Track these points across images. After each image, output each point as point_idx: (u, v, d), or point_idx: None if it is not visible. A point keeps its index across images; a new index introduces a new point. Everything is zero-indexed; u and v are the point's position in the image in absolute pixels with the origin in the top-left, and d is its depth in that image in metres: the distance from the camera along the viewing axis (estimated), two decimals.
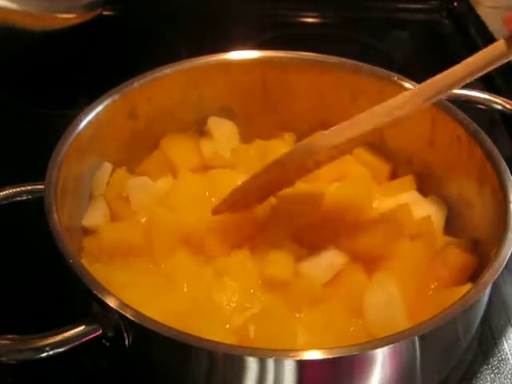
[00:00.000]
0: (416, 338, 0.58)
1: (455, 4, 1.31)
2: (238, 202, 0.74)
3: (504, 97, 0.82)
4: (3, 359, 0.56)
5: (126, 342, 0.59)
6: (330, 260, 0.70)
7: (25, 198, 0.69)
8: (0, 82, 1.04)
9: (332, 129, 0.69)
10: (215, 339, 0.55)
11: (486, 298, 0.68)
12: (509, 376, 0.68)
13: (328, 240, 0.72)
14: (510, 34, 0.63)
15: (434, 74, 0.66)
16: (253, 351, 0.56)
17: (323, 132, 0.69)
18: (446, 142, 0.77)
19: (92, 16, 1.07)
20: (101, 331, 0.58)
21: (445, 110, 0.77)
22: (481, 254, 0.71)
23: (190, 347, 0.55)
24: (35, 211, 0.65)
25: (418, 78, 0.80)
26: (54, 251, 0.61)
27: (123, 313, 0.56)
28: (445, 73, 0.65)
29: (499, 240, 0.63)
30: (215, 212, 0.73)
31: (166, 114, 0.83)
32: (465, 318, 0.64)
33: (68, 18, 1.04)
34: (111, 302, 0.57)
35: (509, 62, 1.10)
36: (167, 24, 1.22)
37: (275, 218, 0.75)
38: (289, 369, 0.55)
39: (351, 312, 0.67)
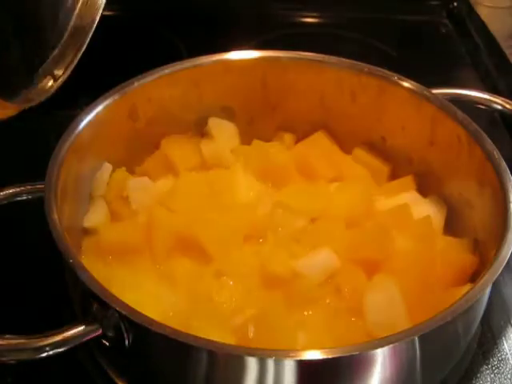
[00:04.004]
0: (416, 338, 0.58)
1: (455, 4, 1.31)
2: None
3: (504, 97, 0.82)
4: (3, 359, 0.57)
5: (126, 342, 0.59)
6: (329, 260, 0.70)
7: (25, 198, 0.69)
8: None
9: None
10: (215, 339, 0.55)
11: (485, 298, 0.68)
12: (509, 376, 0.68)
13: (327, 240, 0.72)
14: None
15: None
16: (253, 351, 0.56)
17: None
18: (446, 141, 0.77)
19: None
20: (101, 331, 0.58)
21: (445, 110, 0.77)
22: (481, 254, 0.71)
23: (190, 347, 0.55)
24: (35, 211, 0.65)
25: (418, 78, 0.81)
26: (54, 251, 0.61)
27: (123, 313, 0.56)
28: None
29: (499, 240, 0.63)
30: None
31: (166, 114, 0.83)
32: (465, 318, 0.64)
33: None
34: (111, 302, 0.57)
35: (509, 62, 1.10)
36: (167, 24, 1.22)
37: (275, 218, 0.75)
38: (289, 369, 0.55)
39: (351, 312, 0.67)
